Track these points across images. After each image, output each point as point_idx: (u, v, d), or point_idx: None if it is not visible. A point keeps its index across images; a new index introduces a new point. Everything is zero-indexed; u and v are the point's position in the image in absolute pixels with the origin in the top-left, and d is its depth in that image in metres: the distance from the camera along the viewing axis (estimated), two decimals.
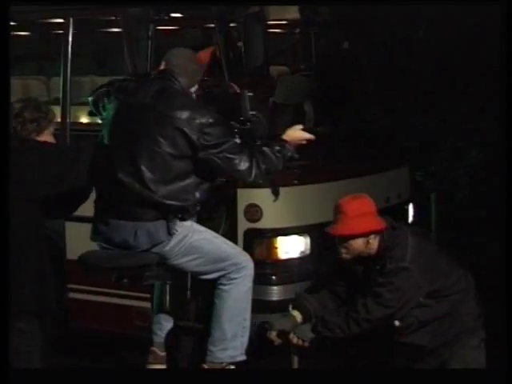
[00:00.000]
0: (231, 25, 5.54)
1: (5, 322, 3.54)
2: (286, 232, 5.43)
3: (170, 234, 4.38)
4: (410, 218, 6.53)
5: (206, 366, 4.62)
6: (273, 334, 4.70)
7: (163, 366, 4.85)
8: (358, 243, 4.41)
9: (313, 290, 4.90)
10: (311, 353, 4.60)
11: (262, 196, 5.41)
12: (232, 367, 4.60)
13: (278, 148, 4.49)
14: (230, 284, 4.57)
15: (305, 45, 7.19)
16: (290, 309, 4.88)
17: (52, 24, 6.53)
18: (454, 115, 7.75)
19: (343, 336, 4.42)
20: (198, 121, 4.28)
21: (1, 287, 3.56)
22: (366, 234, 4.39)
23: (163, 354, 4.85)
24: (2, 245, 3.61)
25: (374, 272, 4.41)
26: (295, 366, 4.67)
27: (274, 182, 5.32)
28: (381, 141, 6.17)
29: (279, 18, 6.47)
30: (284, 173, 5.42)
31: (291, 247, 5.47)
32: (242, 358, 4.63)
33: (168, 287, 4.76)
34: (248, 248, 5.36)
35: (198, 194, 4.44)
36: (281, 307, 5.29)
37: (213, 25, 6.05)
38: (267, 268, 5.39)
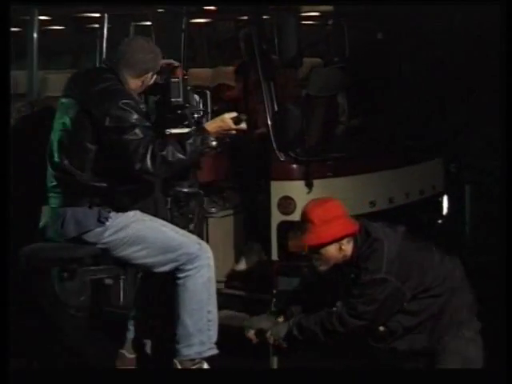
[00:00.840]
0: (264, 17, 5.54)
1: (5, 322, 3.50)
2: None
3: (100, 221, 4.20)
4: (445, 211, 6.49)
5: (177, 365, 4.40)
6: (251, 333, 4.44)
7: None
8: (331, 251, 4.10)
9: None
10: (296, 352, 4.47)
11: (295, 188, 5.40)
12: (205, 364, 4.38)
13: (194, 139, 4.15)
14: (184, 276, 4.32)
15: (338, 36, 7.16)
16: (272, 308, 4.77)
17: (87, 18, 6.58)
18: (489, 105, 7.68)
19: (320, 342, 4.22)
20: (107, 103, 4.10)
21: (1, 287, 3.53)
22: (336, 240, 4.09)
23: (132, 356, 4.65)
24: (1, 245, 3.59)
25: (349, 281, 4.14)
26: (274, 365, 4.58)
27: (308, 174, 5.32)
28: (415, 132, 6.13)
29: (312, 9, 6.45)
30: (318, 165, 5.44)
31: None
32: (212, 352, 4.40)
33: (122, 282, 4.58)
34: (282, 241, 5.38)
35: (120, 182, 4.19)
36: None
37: (246, 17, 6.09)
38: (300, 261, 5.38)
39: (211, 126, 4.23)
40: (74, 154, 4.18)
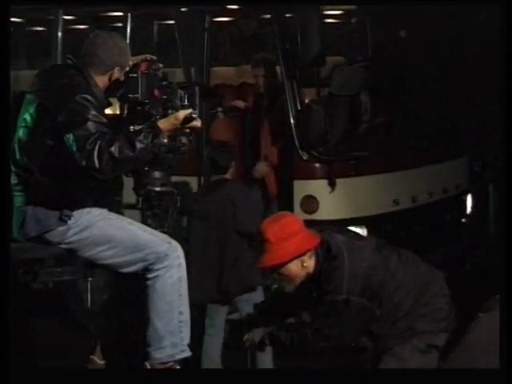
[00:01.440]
0: (287, 15, 5.54)
1: (5, 322, 3.45)
2: (342, 223, 5.42)
3: (62, 220, 4.00)
4: (468, 209, 6.46)
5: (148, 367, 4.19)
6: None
7: None
8: (293, 269, 3.76)
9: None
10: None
11: (318, 187, 5.41)
12: (178, 367, 4.17)
13: (144, 136, 3.90)
14: (153, 276, 4.10)
15: (361, 34, 7.14)
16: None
17: (110, 17, 6.61)
18: None
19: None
20: (64, 98, 3.91)
21: (1, 287, 3.48)
22: (296, 257, 3.76)
23: (102, 362, 4.43)
24: (2, 245, 3.54)
25: (314, 300, 3.88)
26: (248, 365, 4.50)
27: (331, 173, 5.32)
28: (439, 131, 6.11)
29: (335, 8, 6.44)
30: (341, 164, 5.44)
31: None
32: (185, 354, 4.17)
33: (89, 284, 4.31)
34: None
35: (80, 180, 3.98)
36: None
37: (269, 15, 6.09)
38: None
39: (164, 123, 3.97)
40: (33, 150, 4.00)
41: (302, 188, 5.40)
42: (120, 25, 6.09)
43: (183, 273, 4.14)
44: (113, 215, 4.18)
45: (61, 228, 4.03)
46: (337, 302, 3.69)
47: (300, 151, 5.36)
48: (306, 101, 5.59)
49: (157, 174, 4.20)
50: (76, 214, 4.05)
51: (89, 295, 4.30)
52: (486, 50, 6.84)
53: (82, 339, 4.51)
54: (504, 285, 3.46)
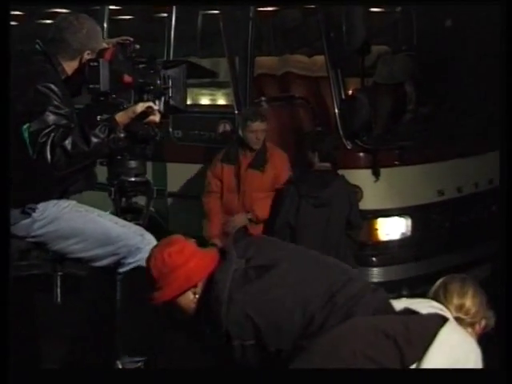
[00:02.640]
0: (332, 5, 5.51)
1: (5, 322, 3.41)
2: (386, 213, 5.40)
3: (25, 212, 3.81)
4: None
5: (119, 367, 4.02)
6: None
7: None
8: (183, 302, 3.36)
9: None
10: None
11: (362, 177, 5.38)
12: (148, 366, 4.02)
13: (100, 129, 3.65)
14: (124, 271, 3.90)
15: (406, 23, 7.08)
16: None
17: (156, 7, 6.63)
18: None
19: None
20: (24, 86, 3.70)
21: (1, 287, 3.44)
22: (186, 290, 3.36)
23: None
24: (2, 246, 3.50)
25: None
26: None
27: (375, 162, 5.29)
28: (481, 123, 6.03)
29: None
30: (385, 153, 5.40)
31: (392, 229, 5.43)
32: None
33: (59, 279, 4.06)
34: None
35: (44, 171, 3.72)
36: None
37: (313, 5, 6.06)
38: (367, 250, 5.36)
39: (121, 116, 3.68)
40: None
41: (346, 177, 5.38)
42: (165, 15, 6.11)
43: None
44: (82, 207, 3.97)
45: (25, 221, 3.83)
46: (219, 338, 3.23)
47: (344, 140, 5.34)
48: (350, 90, 5.56)
49: (132, 164, 3.98)
50: (41, 206, 3.85)
51: (58, 290, 4.06)
52: None
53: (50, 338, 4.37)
54: (504, 284, 3.41)
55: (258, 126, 5.55)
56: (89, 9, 6.31)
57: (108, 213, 4.08)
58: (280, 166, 5.60)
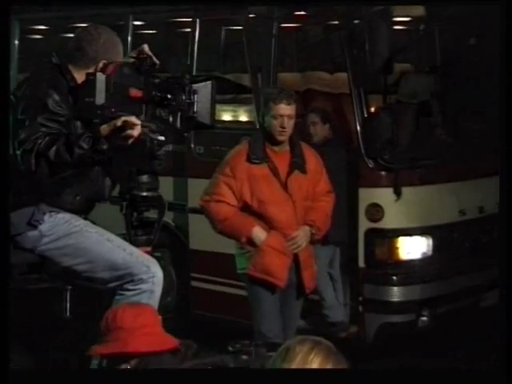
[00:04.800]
0: (355, 22, 5.51)
1: (5, 322, 3.40)
2: (407, 232, 5.37)
3: (31, 224, 3.79)
4: None
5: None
6: None
7: None
8: None
9: None
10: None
11: (383, 195, 5.36)
12: None
13: (83, 140, 3.60)
14: (121, 296, 3.84)
15: (429, 41, 7.07)
16: None
17: (179, 23, 6.66)
18: None
19: None
20: (26, 91, 3.73)
21: (1, 287, 3.43)
22: None
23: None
24: (2, 246, 3.49)
25: None
26: None
27: (397, 181, 5.27)
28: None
29: (404, 14, 6.38)
30: (407, 172, 5.38)
31: (413, 248, 5.40)
32: None
33: (68, 294, 4.02)
34: (369, 248, 5.35)
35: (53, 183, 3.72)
36: (401, 309, 5.23)
37: (336, 22, 6.06)
38: (388, 268, 5.34)
39: (105, 128, 3.61)
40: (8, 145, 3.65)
41: (367, 196, 5.36)
42: (188, 30, 6.13)
43: (153, 301, 3.83)
44: (94, 228, 3.93)
45: (32, 233, 3.81)
46: None
47: (366, 159, 5.32)
48: (373, 108, 5.55)
49: (144, 178, 3.88)
50: (51, 221, 3.83)
51: (68, 304, 4.02)
52: None
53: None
54: (504, 283, 3.37)
55: (283, 109, 4.46)
56: (114, 24, 6.35)
57: (118, 237, 3.97)
58: (320, 169, 4.70)
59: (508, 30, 3.47)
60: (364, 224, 5.36)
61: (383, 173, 5.35)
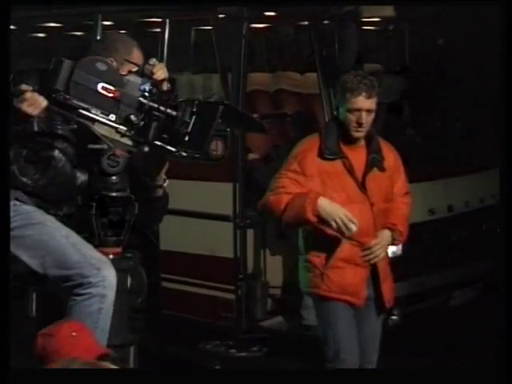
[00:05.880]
0: (325, 22, 5.53)
1: (5, 322, 3.36)
2: None
3: None
4: None
5: None
6: None
7: None
8: None
9: None
10: None
11: None
12: None
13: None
14: (73, 301, 3.70)
15: (399, 42, 7.11)
16: None
17: (149, 23, 6.64)
18: None
19: None
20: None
21: (1, 287, 3.38)
22: None
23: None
24: (2, 246, 3.45)
25: None
26: None
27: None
28: (476, 140, 6.05)
29: (373, 15, 6.41)
30: None
31: None
32: None
33: (34, 294, 3.96)
34: None
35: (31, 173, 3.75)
36: None
37: (306, 22, 6.08)
38: None
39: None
40: None
41: None
42: (158, 30, 6.11)
43: (106, 305, 3.67)
44: (54, 223, 3.82)
45: None
46: None
47: None
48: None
49: (113, 179, 3.82)
50: (14, 210, 3.71)
51: (33, 305, 3.94)
52: None
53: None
54: (504, 282, 3.41)
55: (361, 102, 3.99)
56: (83, 24, 6.31)
57: (79, 236, 3.86)
58: (399, 167, 4.25)
59: (508, 30, 3.50)
60: None
61: None
